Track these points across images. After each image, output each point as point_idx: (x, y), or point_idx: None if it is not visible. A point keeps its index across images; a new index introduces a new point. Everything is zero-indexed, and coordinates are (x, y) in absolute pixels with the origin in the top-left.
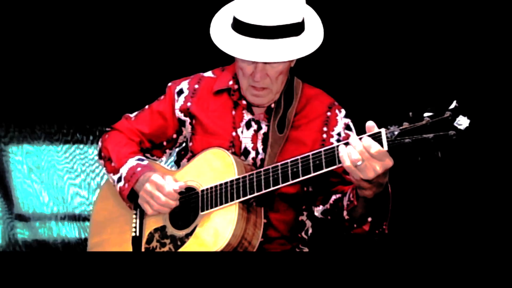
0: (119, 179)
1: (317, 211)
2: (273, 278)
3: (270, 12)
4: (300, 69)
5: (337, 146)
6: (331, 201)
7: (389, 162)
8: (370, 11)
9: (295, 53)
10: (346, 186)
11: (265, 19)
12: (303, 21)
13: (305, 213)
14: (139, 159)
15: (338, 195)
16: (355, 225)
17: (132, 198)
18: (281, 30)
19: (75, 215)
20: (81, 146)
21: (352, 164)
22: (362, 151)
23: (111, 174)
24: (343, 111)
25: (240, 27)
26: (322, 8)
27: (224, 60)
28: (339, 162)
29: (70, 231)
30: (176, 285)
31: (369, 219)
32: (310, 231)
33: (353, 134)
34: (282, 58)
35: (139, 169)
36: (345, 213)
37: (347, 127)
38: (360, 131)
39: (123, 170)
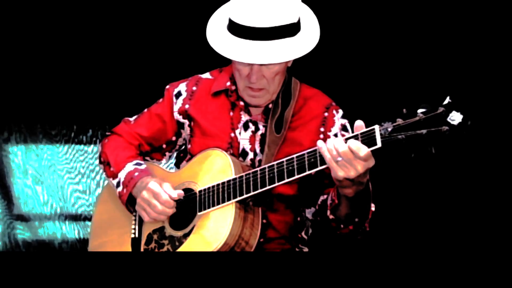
0: (118, 184)
1: (309, 213)
2: (273, 278)
3: (265, 13)
4: (297, 68)
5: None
6: (319, 202)
7: (371, 162)
8: (364, 8)
9: (291, 54)
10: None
11: (260, 21)
12: (299, 21)
13: (304, 213)
14: (136, 164)
15: (325, 196)
16: (342, 226)
17: (131, 202)
18: (276, 31)
19: (75, 215)
20: (81, 146)
21: (333, 159)
22: (345, 152)
23: (111, 179)
24: (341, 112)
25: (235, 29)
26: (317, 6)
27: (222, 62)
28: None
29: (70, 231)
30: (175, 286)
31: (356, 219)
32: (310, 231)
33: (339, 138)
34: (277, 59)
35: (136, 174)
36: (328, 212)
37: (344, 128)
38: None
39: (121, 175)
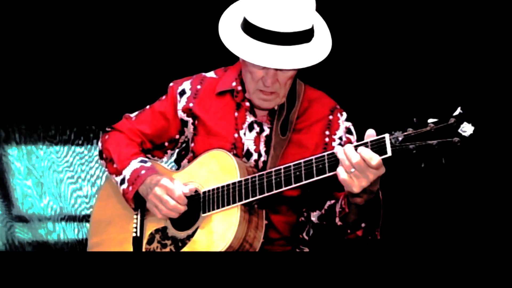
0: (122, 181)
1: (314, 216)
2: (274, 278)
3: (285, 18)
4: (302, 71)
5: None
6: (326, 206)
7: (382, 170)
8: (375, 14)
9: (308, 60)
10: (340, 192)
11: (280, 25)
12: (312, 27)
13: (306, 214)
14: (142, 161)
15: (332, 201)
16: (348, 231)
17: (136, 200)
18: (295, 37)
19: (74, 215)
20: (81, 146)
21: (347, 169)
22: (358, 163)
23: (114, 176)
24: (345, 114)
25: (253, 31)
26: (326, 10)
27: (226, 61)
28: None
29: (69, 232)
30: (177, 286)
31: (363, 224)
32: (311, 231)
33: (348, 146)
34: (296, 65)
35: (143, 171)
36: (337, 219)
37: (348, 131)
38: (363, 135)
39: (126, 172)
